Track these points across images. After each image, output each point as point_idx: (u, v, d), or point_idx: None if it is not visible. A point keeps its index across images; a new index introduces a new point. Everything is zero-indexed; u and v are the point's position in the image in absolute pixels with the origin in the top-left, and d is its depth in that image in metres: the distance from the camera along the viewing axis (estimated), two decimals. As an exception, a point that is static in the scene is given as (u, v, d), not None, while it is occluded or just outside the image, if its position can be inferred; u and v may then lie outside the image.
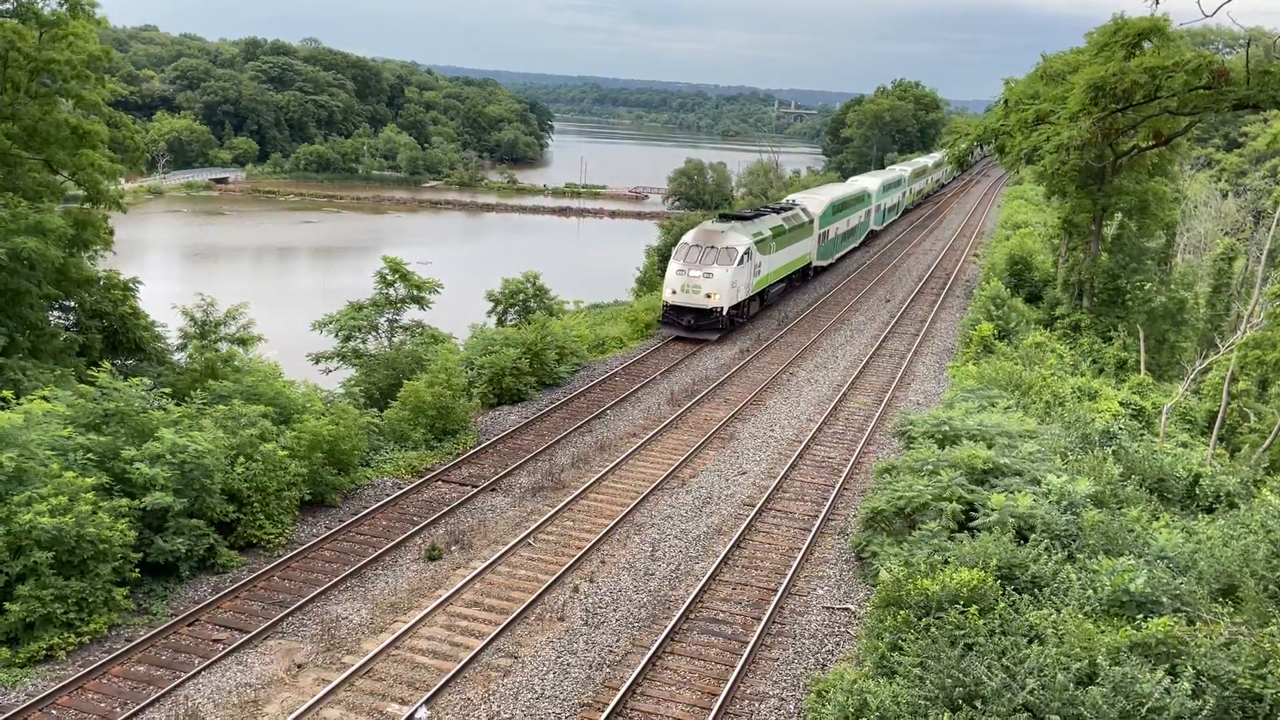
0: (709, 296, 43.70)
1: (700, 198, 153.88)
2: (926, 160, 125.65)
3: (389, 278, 39.59)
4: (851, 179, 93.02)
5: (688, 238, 45.99)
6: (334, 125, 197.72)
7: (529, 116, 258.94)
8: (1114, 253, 50.74)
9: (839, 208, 65.44)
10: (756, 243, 46.80)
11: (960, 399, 31.72)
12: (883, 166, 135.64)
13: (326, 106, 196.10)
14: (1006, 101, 50.32)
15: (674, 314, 44.34)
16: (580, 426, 32.28)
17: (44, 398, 21.98)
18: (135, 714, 16.21)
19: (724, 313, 43.94)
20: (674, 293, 44.18)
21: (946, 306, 56.16)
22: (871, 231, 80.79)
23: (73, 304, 32.92)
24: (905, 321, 51.60)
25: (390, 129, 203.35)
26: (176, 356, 35.40)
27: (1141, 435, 30.89)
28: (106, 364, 24.69)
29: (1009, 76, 52.05)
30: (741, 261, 44.48)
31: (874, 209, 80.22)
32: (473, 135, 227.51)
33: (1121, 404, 33.93)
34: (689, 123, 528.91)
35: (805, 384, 38.77)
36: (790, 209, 56.47)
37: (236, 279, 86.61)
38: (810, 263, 59.46)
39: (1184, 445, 31.50)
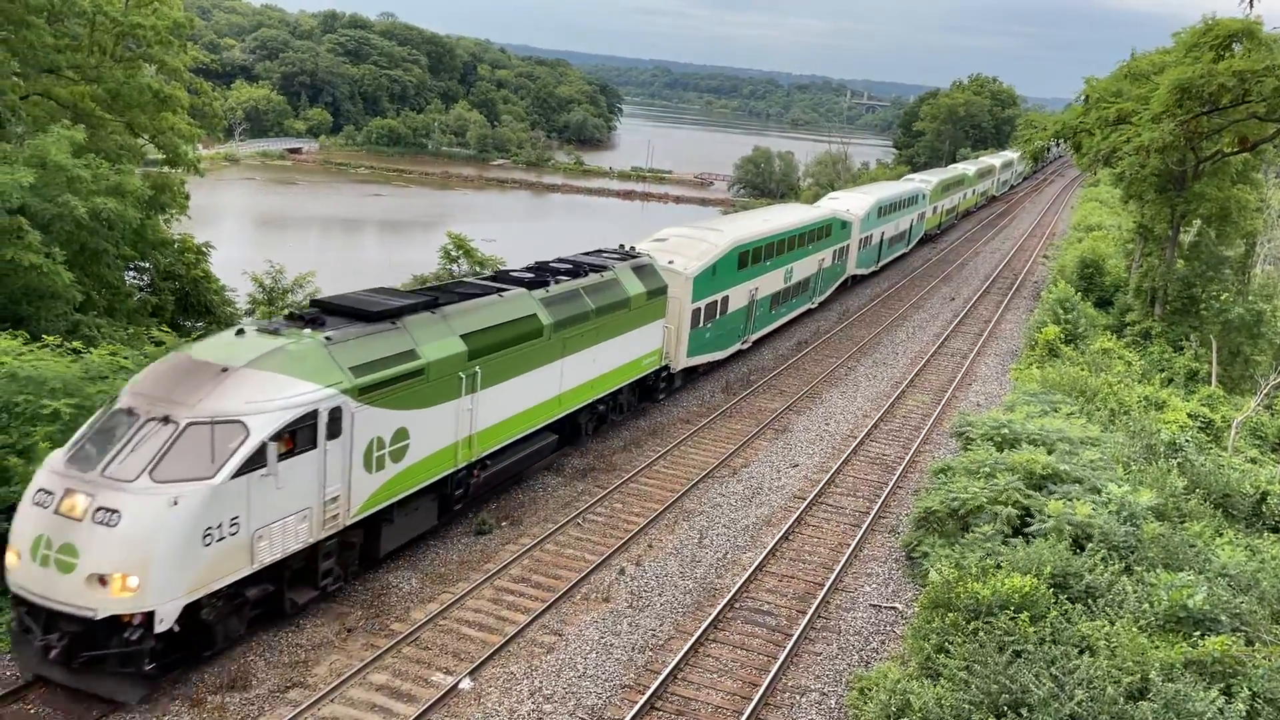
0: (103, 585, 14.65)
1: (766, 186, 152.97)
2: (993, 160, 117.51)
3: (453, 253, 40.01)
4: (905, 177, 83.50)
5: (137, 385, 16.74)
6: (406, 100, 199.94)
7: (598, 98, 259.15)
8: (1190, 260, 49.37)
9: (886, 210, 59.41)
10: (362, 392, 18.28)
11: (1022, 402, 31.16)
12: (955, 162, 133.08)
13: (400, 81, 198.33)
14: (1087, 98, 49.36)
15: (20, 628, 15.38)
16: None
17: (110, 353, 22.55)
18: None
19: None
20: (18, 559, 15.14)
21: (1012, 308, 55.16)
22: (926, 236, 74.91)
23: (148, 265, 33.83)
24: (969, 321, 50.80)
25: (461, 106, 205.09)
26: (244, 321, 36.19)
27: (1209, 449, 30.09)
28: (167, 328, 25.35)
29: (1090, 75, 50.83)
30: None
31: (928, 212, 73.27)
32: (542, 115, 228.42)
33: (1190, 416, 33.07)
34: (759, 110, 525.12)
35: (863, 379, 38.39)
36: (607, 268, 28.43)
37: (305, 248, 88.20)
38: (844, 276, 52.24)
39: (1253, 461, 30.62)
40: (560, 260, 28.39)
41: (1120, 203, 66.51)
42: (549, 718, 16.27)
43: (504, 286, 24.21)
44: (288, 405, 16.34)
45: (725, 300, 35.28)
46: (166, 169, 34.91)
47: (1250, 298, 51.02)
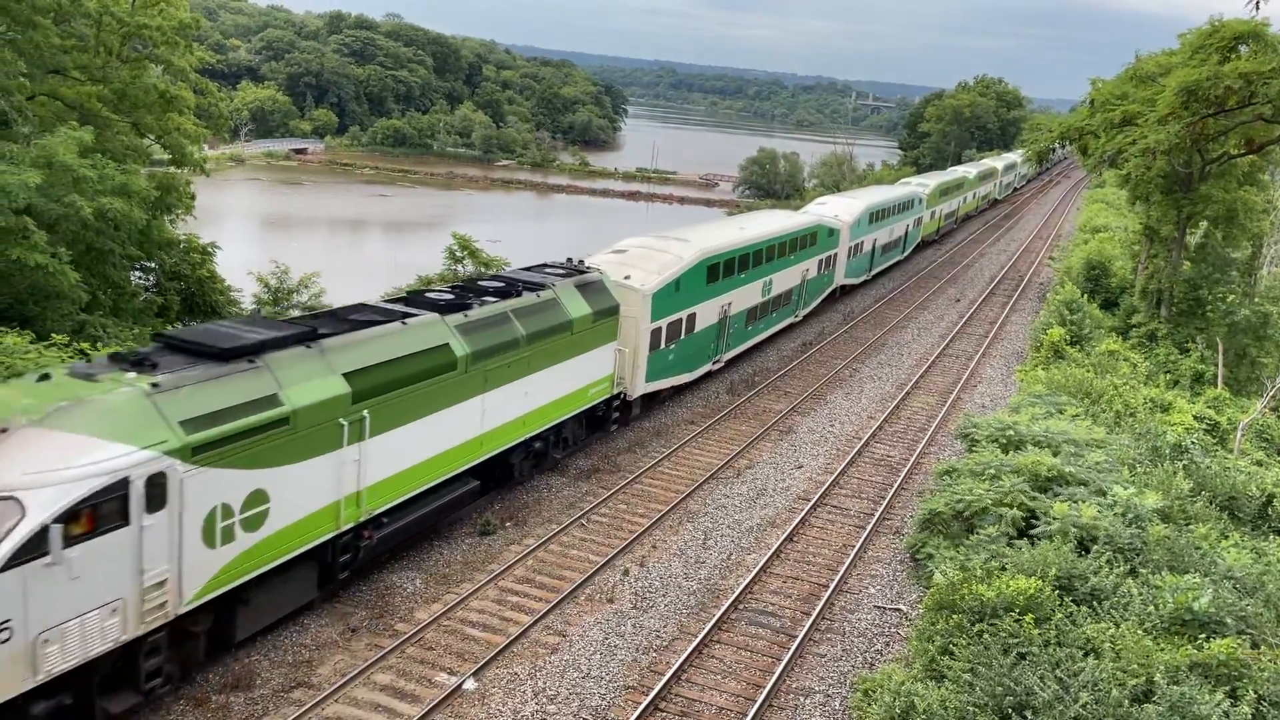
0: None
1: (771, 187, 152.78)
2: (995, 162, 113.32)
3: (458, 254, 40.03)
4: (901, 181, 78.29)
5: None
6: (412, 101, 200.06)
7: (603, 99, 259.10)
8: (1197, 262, 49.23)
9: (878, 215, 55.78)
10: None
11: (1027, 404, 31.09)
12: (960, 163, 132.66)
13: (405, 82, 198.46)
14: (1093, 101, 49.28)
15: None
16: (636, 415, 32.34)
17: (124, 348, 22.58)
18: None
19: None
20: None
21: (1018, 309, 55.07)
22: (923, 242, 71.52)
23: (153, 265, 33.91)
24: (974, 322, 50.72)
25: (466, 106, 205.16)
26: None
27: (1215, 451, 30.00)
28: (176, 326, 25.39)
29: (1096, 76, 50.77)
30: None
31: (925, 216, 69.46)
32: (547, 116, 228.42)
33: (1196, 418, 32.96)
34: (764, 111, 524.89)
35: (868, 380, 38.34)
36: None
37: (310, 248, 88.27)
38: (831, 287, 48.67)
39: (1259, 464, 30.52)
40: (493, 278, 25.34)
41: (1126, 204, 66.40)
42: (553, 718, 16.27)
43: (412, 311, 20.73)
44: (84, 475, 13.06)
45: (691, 318, 32.20)
46: (172, 169, 34.99)
47: (1257, 299, 50.89)
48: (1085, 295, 49.84)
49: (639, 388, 29.82)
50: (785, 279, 40.53)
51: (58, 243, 26.00)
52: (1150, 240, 51.28)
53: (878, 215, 55.63)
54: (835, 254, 47.78)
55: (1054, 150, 58.61)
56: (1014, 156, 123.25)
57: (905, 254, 65.00)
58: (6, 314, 25.49)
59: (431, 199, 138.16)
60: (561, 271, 26.98)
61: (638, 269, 30.12)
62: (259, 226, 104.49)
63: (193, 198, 34.68)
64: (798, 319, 44.28)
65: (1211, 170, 47.14)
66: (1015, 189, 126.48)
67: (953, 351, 44.11)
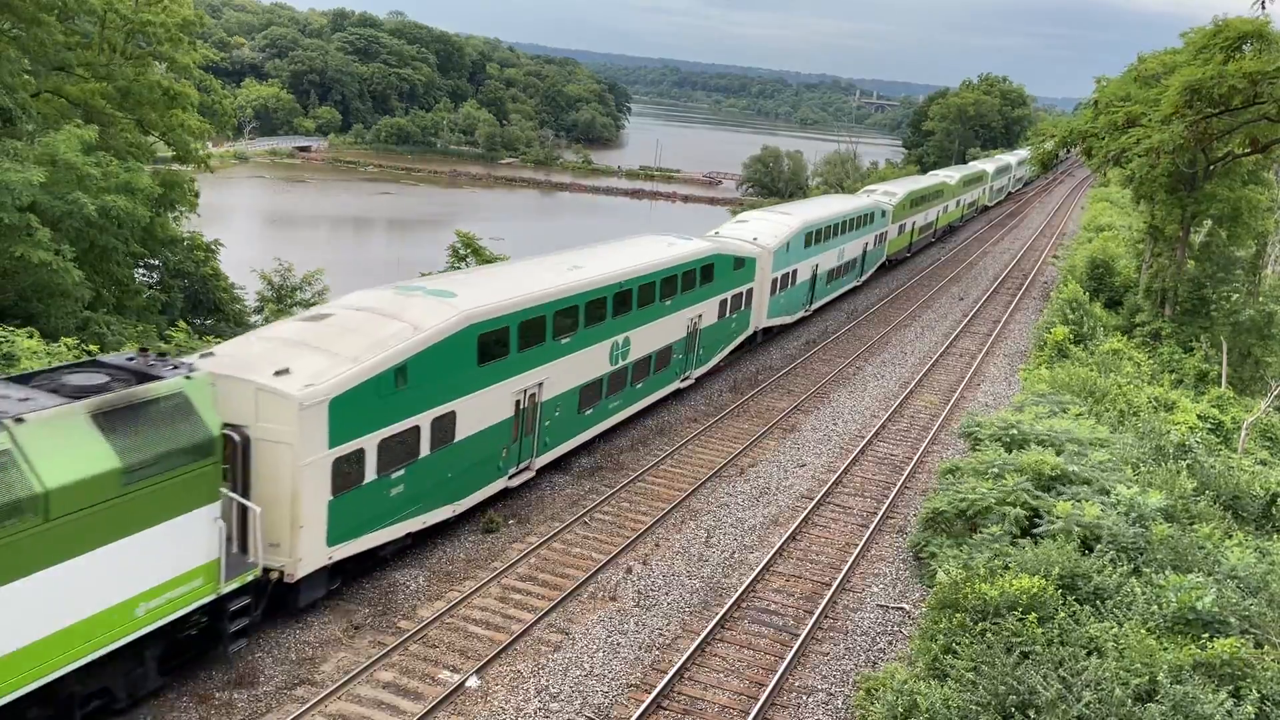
0: None
1: (775, 185, 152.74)
2: (985, 165, 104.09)
3: (461, 251, 40.07)
4: (865, 189, 67.13)
5: None
6: (415, 99, 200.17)
7: (607, 97, 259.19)
8: (1201, 261, 49.18)
9: (820, 235, 45.22)
10: None
11: (1031, 403, 31.09)
12: (964, 161, 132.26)
13: (409, 80, 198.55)
14: (1096, 103, 49.17)
15: None
16: (641, 412, 32.36)
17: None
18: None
19: None
20: None
21: (1022, 308, 55.01)
22: (889, 261, 61.27)
23: (157, 263, 33.97)
24: (978, 321, 50.67)
25: (470, 105, 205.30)
26: (253, 319, 36.34)
27: (1219, 450, 29.97)
28: (183, 323, 25.43)
29: (1101, 75, 50.64)
30: None
31: (890, 231, 59.47)
32: (550, 114, 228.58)
33: (1199, 417, 32.94)
34: (768, 109, 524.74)
35: (871, 379, 38.32)
36: None
37: (313, 246, 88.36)
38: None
39: (1263, 463, 30.48)
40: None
41: (1130, 203, 66.32)
42: (555, 716, 16.28)
43: None
44: None
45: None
46: (176, 166, 35.05)
47: (1261, 299, 50.82)
48: (1089, 294, 49.83)
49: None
50: (657, 334, 29.97)
51: (61, 240, 26.06)
52: (1154, 239, 51.21)
53: (819, 235, 44.97)
54: (749, 290, 37.26)
55: (1058, 156, 58.05)
56: (1008, 158, 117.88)
57: (863, 278, 55.08)
58: (10, 311, 25.55)
59: (435, 197, 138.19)
60: (102, 379, 14.51)
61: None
62: (262, 224, 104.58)
63: (196, 195, 34.75)
64: (688, 382, 33.64)
65: (1216, 169, 47.07)
66: (1010, 193, 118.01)
67: (956, 350, 44.07)
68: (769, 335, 41.85)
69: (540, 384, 24.07)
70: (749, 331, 38.42)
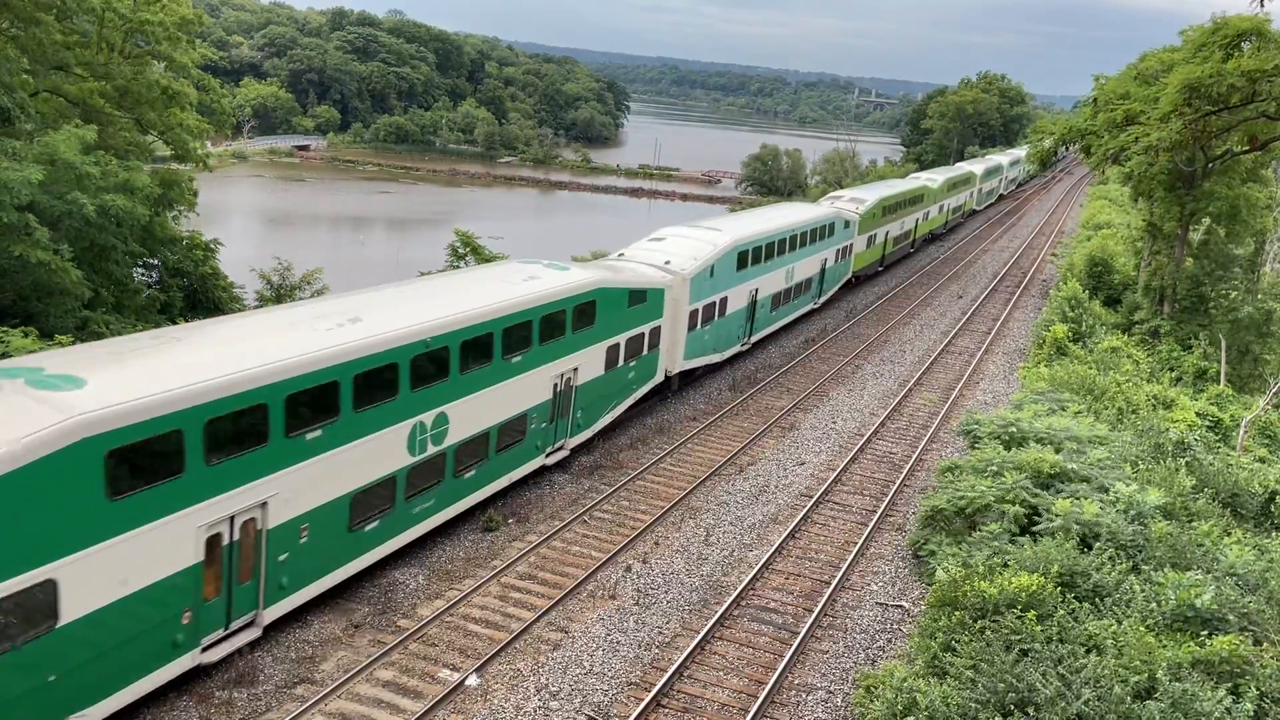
0: None
1: (774, 184, 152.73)
2: (974, 166, 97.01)
3: (460, 250, 40.07)
4: (829, 196, 58.58)
5: None
6: (414, 98, 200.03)
7: (606, 96, 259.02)
8: (1199, 259, 49.20)
9: (760, 255, 38.04)
10: None
11: (1030, 401, 31.11)
12: (963, 159, 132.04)
13: (408, 79, 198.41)
14: (1095, 101, 49.19)
15: None
16: (640, 410, 32.39)
17: None
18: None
19: None
20: None
21: (1021, 306, 55.03)
22: (856, 278, 54.46)
23: (156, 262, 33.94)
24: (977, 319, 50.69)
25: (469, 103, 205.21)
26: None
27: (1217, 448, 30.00)
28: (183, 322, 25.41)
29: (1099, 73, 50.64)
30: None
31: (857, 244, 52.47)
32: (549, 113, 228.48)
33: (1198, 415, 32.97)
34: (766, 108, 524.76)
35: (870, 377, 38.33)
36: None
37: (313, 245, 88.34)
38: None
39: (1262, 461, 30.51)
40: None
41: (1129, 201, 66.34)
42: (555, 714, 16.29)
43: None
44: None
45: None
46: (175, 165, 35.03)
47: (1260, 296, 50.86)
48: (1088, 292, 49.83)
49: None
50: (494, 403, 22.51)
51: (60, 240, 26.04)
52: (1153, 237, 51.24)
53: (758, 254, 37.87)
54: (655, 328, 30.41)
55: (1056, 154, 57.79)
56: (999, 158, 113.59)
57: (822, 299, 48.41)
58: (9, 311, 25.53)
59: (434, 195, 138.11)
60: None
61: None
62: (261, 223, 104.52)
63: (195, 194, 34.69)
64: (559, 455, 26.21)
65: (1214, 167, 47.11)
66: (1002, 195, 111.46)
67: (955, 348, 44.09)
68: (690, 378, 34.87)
69: (264, 505, 16.60)
70: (657, 379, 31.35)
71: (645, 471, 26.83)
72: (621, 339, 28.25)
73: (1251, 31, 39.90)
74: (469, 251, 39.92)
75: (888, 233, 58.89)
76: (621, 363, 28.55)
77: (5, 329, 22.08)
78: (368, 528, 19.25)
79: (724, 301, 35.21)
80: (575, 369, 25.92)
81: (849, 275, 52.35)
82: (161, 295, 33.49)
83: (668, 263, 32.08)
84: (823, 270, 46.89)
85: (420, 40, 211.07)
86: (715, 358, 35.67)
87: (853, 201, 54.09)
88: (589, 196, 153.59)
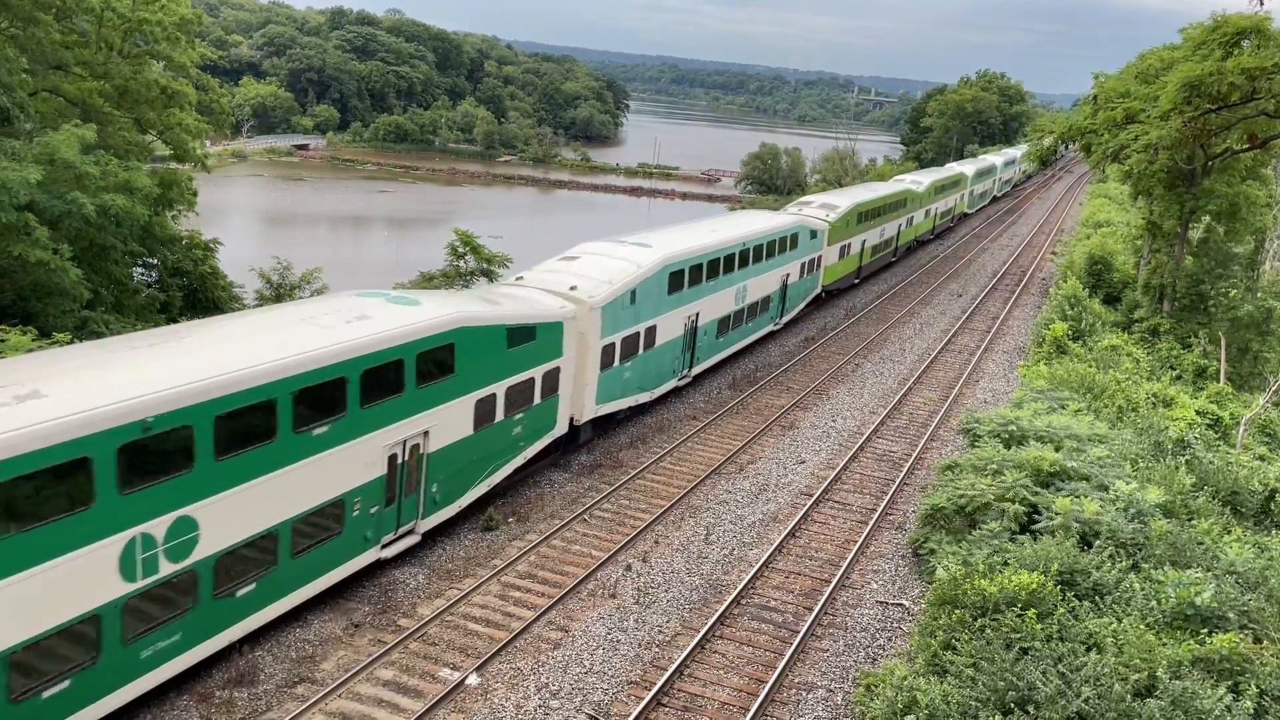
0: None
1: (773, 183, 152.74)
2: (964, 168, 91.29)
3: (460, 250, 40.07)
4: (797, 202, 53.10)
5: None
6: (413, 97, 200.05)
7: (605, 95, 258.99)
8: (1199, 257, 49.21)
9: (695, 274, 32.40)
10: None
11: (1029, 399, 31.11)
12: (963, 157, 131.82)
13: (407, 78, 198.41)
14: (1095, 99, 49.20)
15: None
16: (640, 409, 32.37)
17: None
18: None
19: None
20: None
21: (1020, 304, 55.03)
22: (824, 293, 48.66)
23: (156, 261, 33.94)
24: (977, 317, 50.69)
25: (468, 102, 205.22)
26: None
27: (1217, 446, 30.00)
28: (183, 321, 25.39)
29: (1099, 71, 50.64)
30: None
31: (829, 256, 47.59)
32: (548, 112, 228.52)
33: (1198, 413, 32.98)
34: (766, 106, 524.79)
35: (870, 376, 38.33)
36: None
37: (312, 245, 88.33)
38: None
39: (1261, 459, 30.52)
40: None
41: (1129, 199, 66.34)
42: (555, 713, 16.29)
43: None
44: None
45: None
46: (174, 165, 35.02)
47: (1259, 294, 50.89)
48: (1087, 290, 49.81)
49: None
50: (294, 492, 17.28)
51: (60, 239, 26.03)
52: (1153, 235, 51.25)
53: (696, 273, 32.50)
54: (554, 369, 24.97)
55: (1056, 152, 57.63)
56: (992, 158, 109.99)
57: (785, 319, 43.19)
58: (9, 311, 25.53)
59: (433, 194, 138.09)
60: None
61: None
62: (261, 223, 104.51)
63: (194, 194, 34.69)
64: (392, 549, 20.39)
65: (1214, 165, 47.11)
66: (995, 197, 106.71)
67: (955, 347, 44.09)
68: (612, 423, 29.70)
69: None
70: (558, 430, 26.00)
71: (645, 470, 26.83)
72: (499, 388, 22.68)
73: (1251, 30, 39.91)
74: (469, 250, 39.93)
75: (864, 242, 54.20)
76: (501, 417, 22.97)
77: (5, 327, 22.09)
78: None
79: (652, 331, 30.09)
80: (426, 432, 20.36)
81: (818, 290, 47.35)
82: (161, 295, 33.50)
83: (574, 289, 26.69)
84: (784, 287, 41.79)
85: (419, 39, 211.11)
86: (643, 397, 30.65)
87: (823, 208, 49.17)
88: (588, 195, 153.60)
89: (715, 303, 34.45)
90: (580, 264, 28.85)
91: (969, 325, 48.70)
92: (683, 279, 31.49)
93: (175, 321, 30.15)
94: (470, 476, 22.55)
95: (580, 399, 26.80)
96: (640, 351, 29.53)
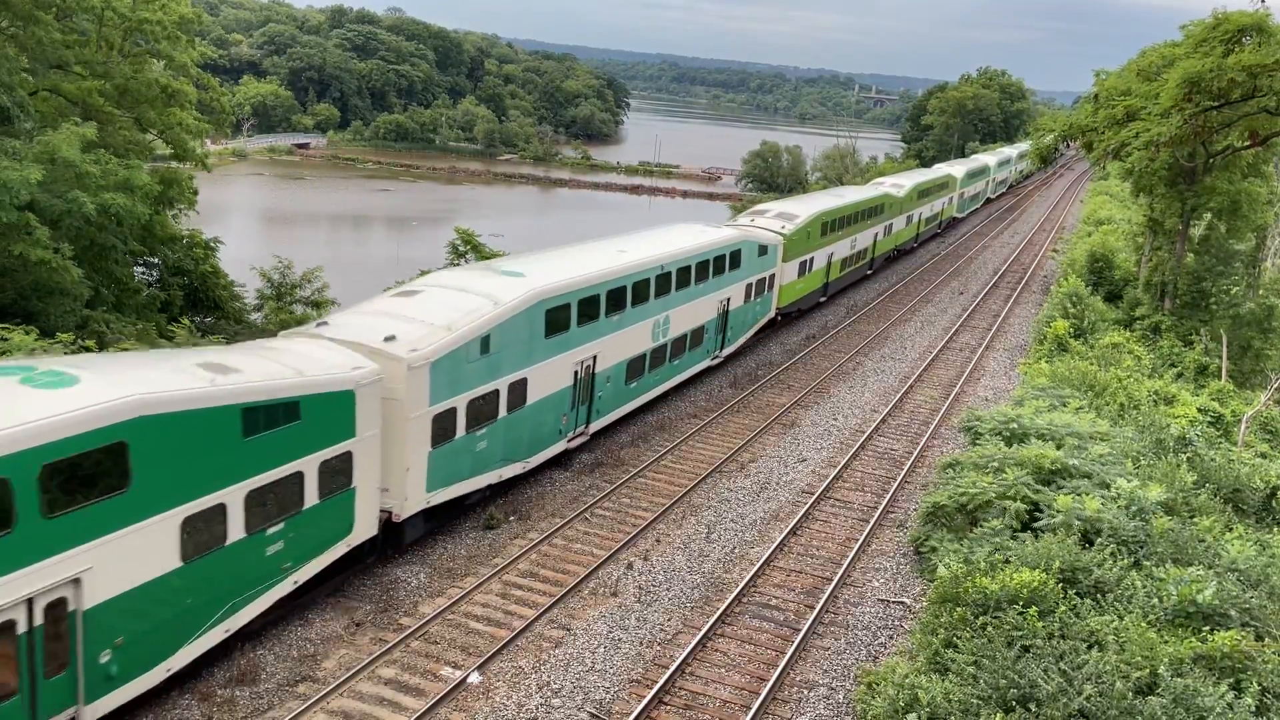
0: None
1: (774, 180, 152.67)
2: (953, 169, 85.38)
3: (461, 249, 40.05)
4: (752, 210, 45.69)
5: None
6: (414, 95, 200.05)
7: (605, 93, 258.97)
8: (1200, 254, 49.16)
9: (605, 304, 26.95)
10: None
11: (1031, 397, 31.09)
12: (964, 155, 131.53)
13: (407, 76, 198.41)
14: (1096, 96, 49.16)
15: None
16: (640, 408, 32.37)
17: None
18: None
19: None
20: None
21: (1021, 302, 55.01)
22: (778, 316, 42.20)
23: (156, 260, 33.96)
24: (978, 315, 50.66)
25: (469, 101, 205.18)
26: (253, 316, 36.34)
27: (1219, 443, 29.98)
28: (186, 320, 25.41)
29: (1100, 68, 50.60)
30: None
31: (788, 272, 41.68)
32: (549, 110, 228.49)
33: (1199, 410, 32.94)
34: (767, 104, 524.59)
35: (871, 374, 38.32)
36: None
37: (313, 244, 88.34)
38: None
39: (1263, 456, 30.50)
40: None
41: (1130, 196, 66.31)
42: (557, 712, 16.30)
43: None
44: None
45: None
46: (174, 164, 35.03)
47: (1261, 292, 50.87)
48: (1089, 288, 49.79)
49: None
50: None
51: (60, 239, 26.04)
52: (1154, 233, 51.25)
53: (588, 308, 26.19)
54: (345, 454, 18.35)
55: (1057, 150, 57.52)
56: (986, 158, 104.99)
57: (728, 349, 36.87)
58: (10, 310, 25.54)
59: (434, 193, 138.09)
60: None
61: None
62: (262, 222, 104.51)
63: (195, 193, 34.70)
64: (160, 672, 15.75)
65: (1215, 163, 47.08)
66: (990, 199, 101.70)
67: (956, 344, 44.07)
68: (459, 509, 22.82)
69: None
70: (351, 540, 19.05)
71: (646, 469, 26.83)
72: (230, 495, 15.88)
73: (1252, 27, 39.85)
74: (469, 249, 39.92)
75: (831, 255, 47.60)
76: (240, 534, 16.20)
77: (6, 326, 22.09)
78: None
79: (520, 386, 23.55)
80: (75, 580, 13.56)
81: (771, 314, 40.90)
82: (162, 294, 33.53)
83: (390, 339, 20.13)
84: (724, 314, 35.35)
85: (420, 38, 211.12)
86: (511, 470, 24.01)
87: (779, 219, 42.51)
88: (589, 194, 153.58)
89: (622, 341, 28.14)
90: (417, 302, 22.51)
91: (970, 323, 48.68)
92: (567, 316, 25.14)
93: (177, 321, 30.14)
94: (184, 629, 15.52)
95: (400, 488, 20.18)
96: (502, 414, 23.05)
